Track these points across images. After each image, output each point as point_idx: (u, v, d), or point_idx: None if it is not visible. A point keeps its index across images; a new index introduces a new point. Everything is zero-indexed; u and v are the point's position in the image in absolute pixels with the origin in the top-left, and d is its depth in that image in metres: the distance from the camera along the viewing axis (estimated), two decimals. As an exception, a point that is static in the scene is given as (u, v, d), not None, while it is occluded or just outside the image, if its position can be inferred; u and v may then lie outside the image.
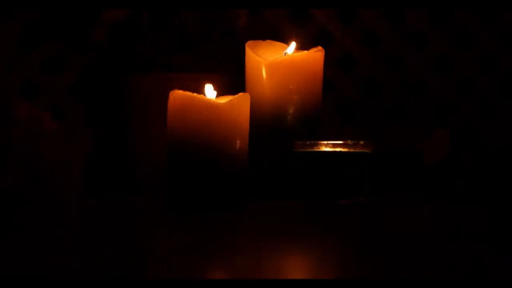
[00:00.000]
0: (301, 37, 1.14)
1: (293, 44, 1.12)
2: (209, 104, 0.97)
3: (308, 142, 1.00)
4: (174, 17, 1.30)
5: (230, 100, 0.98)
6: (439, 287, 0.61)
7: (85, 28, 1.30)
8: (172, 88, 0.98)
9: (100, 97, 1.30)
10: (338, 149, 0.99)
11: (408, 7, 1.34)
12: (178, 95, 0.97)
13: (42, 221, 0.93)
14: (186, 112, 0.96)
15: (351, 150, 0.99)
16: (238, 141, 0.98)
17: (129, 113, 1.25)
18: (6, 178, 0.98)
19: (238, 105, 0.98)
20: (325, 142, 1.00)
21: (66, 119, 1.30)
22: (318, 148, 1.00)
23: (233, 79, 1.17)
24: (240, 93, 1.00)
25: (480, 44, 1.35)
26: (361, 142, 0.99)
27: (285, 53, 1.12)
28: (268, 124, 1.09)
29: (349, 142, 0.99)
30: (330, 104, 1.32)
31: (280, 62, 1.10)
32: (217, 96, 1.01)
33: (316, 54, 1.11)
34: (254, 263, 0.68)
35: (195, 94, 0.97)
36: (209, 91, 1.01)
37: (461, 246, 0.76)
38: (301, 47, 1.13)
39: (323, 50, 1.11)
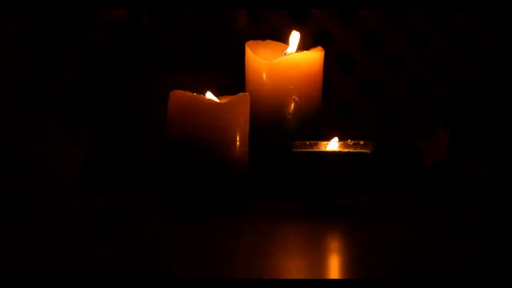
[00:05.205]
0: (301, 37, 1.14)
1: (295, 34, 1.11)
2: (209, 104, 0.97)
3: (308, 142, 1.00)
4: (174, 17, 1.30)
5: (230, 100, 0.98)
6: (439, 286, 0.61)
7: (85, 28, 1.30)
8: (173, 88, 0.98)
9: (100, 97, 1.30)
10: (338, 149, 0.99)
11: (408, 7, 1.34)
12: (178, 95, 0.97)
13: (42, 221, 0.93)
14: (186, 112, 0.96)
15: (351, 150, 0.99)
16: (238, 141, 0.98)
17: (129, 113, 1.25)
18: (6, 178, 0.98)
19: (238, 105, 0.98)
20: (325, 142, 1.00)
21: (66, 119, 1.30)
22: (318, 148, 1.00)
23: (233, 79, 1.17)
24: (240, 93, 1.00)
25: (480, 44, 1.35)
26: (361, 142, 0.99)
27: (285, 53, 1.12)
28: (268, 124, 1.09)
29: (349, 142, 0.99)
30: (330, 104, 1.32)
31: (280, 62, 1.10)
32: (217, 96, 1.01)
33: (316, 54, 1.11)
34: (254, 263, 0.68)
35: (195, 94, 0.97)
36: (210, 96, 1.00)
37: (460, 246, 0.76)
38: (301, 47, 1.13)
39: (323, 50, 1.11)
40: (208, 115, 0.96)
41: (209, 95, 1.00)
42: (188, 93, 0.97)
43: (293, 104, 1.09)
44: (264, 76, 1.09)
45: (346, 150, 0.99)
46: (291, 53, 1.11)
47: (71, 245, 0.77)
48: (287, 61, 1.10)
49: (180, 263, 0.68)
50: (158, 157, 1.13)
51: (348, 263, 0.69)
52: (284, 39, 1.14)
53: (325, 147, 1.00)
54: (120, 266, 0.67)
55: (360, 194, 0.99)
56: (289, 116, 1.10)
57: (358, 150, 0.99)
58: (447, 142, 1.15)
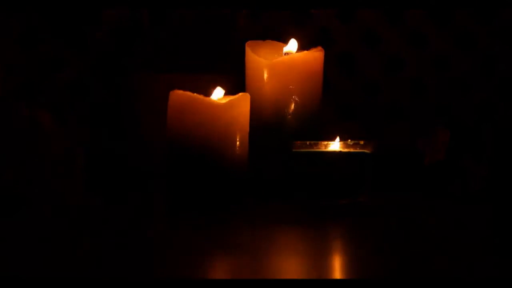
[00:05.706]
0: (301, 37, 1.14)
1: (292, 41, 1.12)
2: (209, 104, 0.97)
3: (308, 142, 1.00)
4: (174, 17, 1.30)
5: (230, 100, 0.98)
6: (439, 286, 0.61)
7: (85, 28, 1.30)
8: (173, 88, 0.98)
9: (100, 96, 1.30)
10: (338, 149, 0.99)
11: (408, 7, 1.34)
12: (178, 95, 0.97)
13: (42, 221, 0.93)
14: (186, 112, 0.96)
15: (351, 150, 0.99)
16: (238, 141, 0.98)
17: (129, 112, 1.25)
18: (6, 178, 0.98)
19: (238, 105, 0.98)
20: (325, 142, 1.00)
21: (66, 119, 1.30)
22: (318, 148, 1.00)
23: (233, 79, 1.17)
24: (240, 93, 1.00)
25: (480, 44, 1.35)
26: (361, 142, 0.99)
27: (285, 53, 1.12)
28: (268, 124, 1.09)
29: (349, 142, 0.99)
30: (330, 104, 1.32)
31: (280, 62, 1.10)
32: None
33: (316, 54, 1.11)
34: (254, 263, 0.68)
35: (195, 94, 0.97)
36: (218, 93, 1.00)
37: (460, 246, 0.76)
38: (301, 47, 1.13)
39: (323, 50, 1.11)
40: (208, 115, 0.96)
41: (218, 92, 1.00)
42: (188, 93, 0.97)
43: (293, 104, 1.09)
44: (264, 76, 1.09)
45: (346, 150, 0.99)
46: (291, 53, 1.11)
47: (71, 245, 0.77)
48: (287, 61, 1.10)
49: (180, 263, 0.68)
50: (157, 157, 1.13)
51: (348, 263, 0.69)
52: (284, 39, 1.14)
53: (325, 147, 1.00)
54: (120, 266, 0.67)
55: (360, 194, 0.99)
56: (289, 116, 1.09)
57: (358, 150, 0.99)
58: (447, 142, 1.15)
